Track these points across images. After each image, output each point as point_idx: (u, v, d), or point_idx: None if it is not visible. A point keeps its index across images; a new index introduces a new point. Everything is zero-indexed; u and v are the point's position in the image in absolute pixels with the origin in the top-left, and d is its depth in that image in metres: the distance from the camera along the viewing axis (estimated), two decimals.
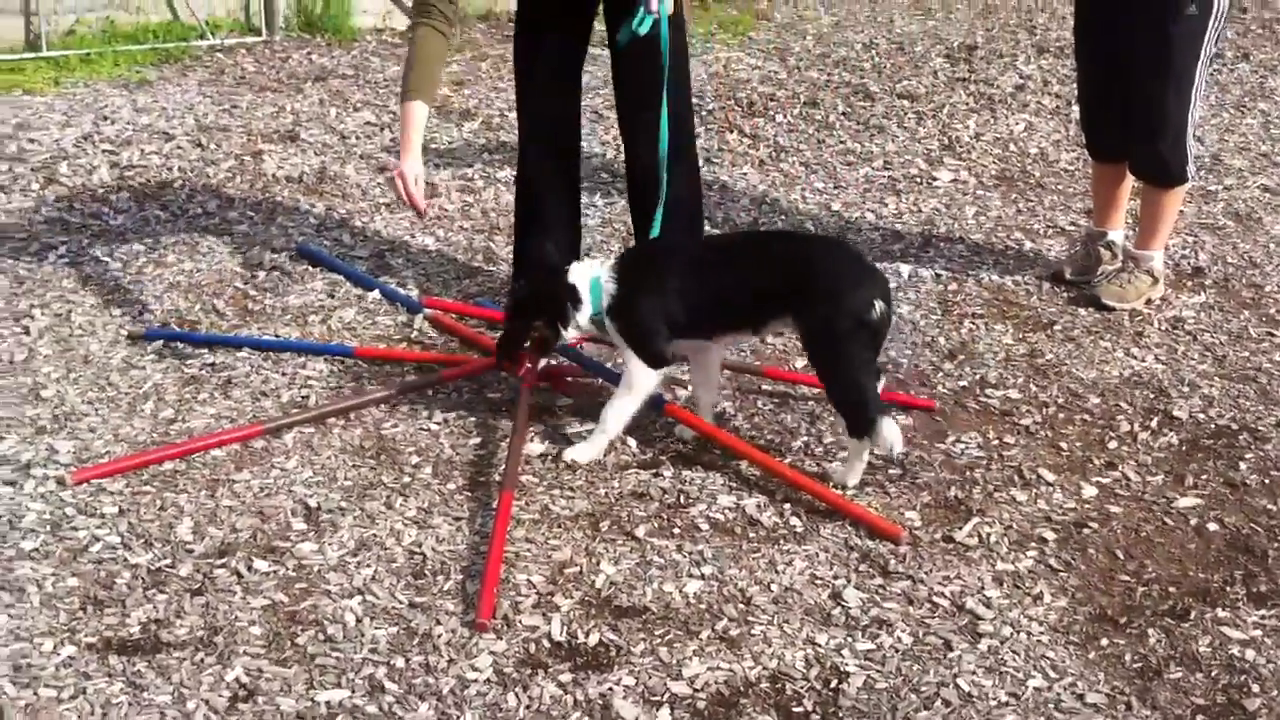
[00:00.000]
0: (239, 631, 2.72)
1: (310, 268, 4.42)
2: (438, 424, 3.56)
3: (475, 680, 2.64)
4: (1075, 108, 5.46)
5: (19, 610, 2.75)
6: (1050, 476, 3.43)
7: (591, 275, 3.39)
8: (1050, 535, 3.19)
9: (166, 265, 4.40)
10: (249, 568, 2.92)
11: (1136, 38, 4.20)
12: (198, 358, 3.81)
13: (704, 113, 5.98)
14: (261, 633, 2.73)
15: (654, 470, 3.41)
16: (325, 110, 5.96)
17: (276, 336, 3.97)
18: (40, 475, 3.20)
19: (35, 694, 2.53)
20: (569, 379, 3.80)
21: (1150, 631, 2.87)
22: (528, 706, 2.59)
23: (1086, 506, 3.32)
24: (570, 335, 3.46)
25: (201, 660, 2.64)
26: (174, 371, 3.73)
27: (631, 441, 3.53)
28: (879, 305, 3.24)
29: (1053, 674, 2.74)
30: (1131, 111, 4.29)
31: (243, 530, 3.05)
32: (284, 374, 3.74)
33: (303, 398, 3.63)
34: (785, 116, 6.13)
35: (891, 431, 3.26)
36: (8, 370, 3.70)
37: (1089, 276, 4.53)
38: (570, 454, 3.44)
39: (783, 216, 5.07)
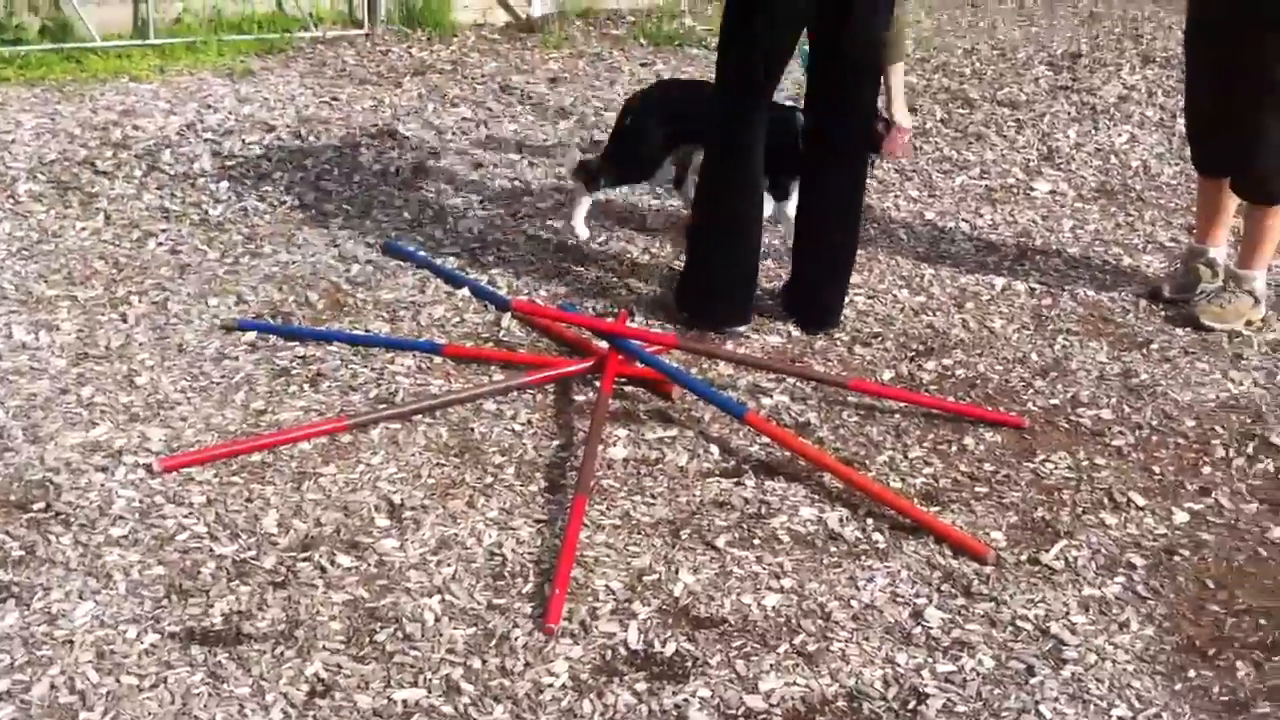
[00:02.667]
0: (319, 626, 2.76)
1: (402, 264, 4.46)
2: (521, 425, 3.57)
3: (551, 685, 2.65)
4: (1180, 120, 5.35)
5: (105, 597, 2.80)
6: (1141, 500, 3.36)
7: None
8: (1139, 561, 3.13)
9: (263, 256, 4.47)
10: (332, 562, 2.96)
11: (1244, 52, 4.10)
12: (289, 350, 3.86)
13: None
14: (341, 628, 2.76)
15: (736, 479, 3.39)
16: (423, 105, 6.02)
17: (367, 331, 4.02)
18: (131, 462, 3.26)
19: (117, 681, 2.58)
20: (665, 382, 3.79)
21: (1239, 664, 2.80)
22: (602, 714, 2.59)
23: (1178, 533, 3.24)
24: None
25: (281, 653, 2.68)
26: (265, 363, 3.79)
27: (714, 449, 3.52)
28: None
29: (1137, 704, 2.68)
30: (1236, 128, 4.18)
31: (327, 525, 3.09)
32: (373, 369, 3.78)
33: (390, 393, 3.67)
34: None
35: None
36: (104, 356, 3.77)
37: (1188, 295, 4.43)
38: None
39: (875, 224, 5.02)
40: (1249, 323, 4.30)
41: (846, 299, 4.28)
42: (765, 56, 3.96)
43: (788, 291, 4.28)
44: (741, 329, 4.14)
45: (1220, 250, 4.50)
